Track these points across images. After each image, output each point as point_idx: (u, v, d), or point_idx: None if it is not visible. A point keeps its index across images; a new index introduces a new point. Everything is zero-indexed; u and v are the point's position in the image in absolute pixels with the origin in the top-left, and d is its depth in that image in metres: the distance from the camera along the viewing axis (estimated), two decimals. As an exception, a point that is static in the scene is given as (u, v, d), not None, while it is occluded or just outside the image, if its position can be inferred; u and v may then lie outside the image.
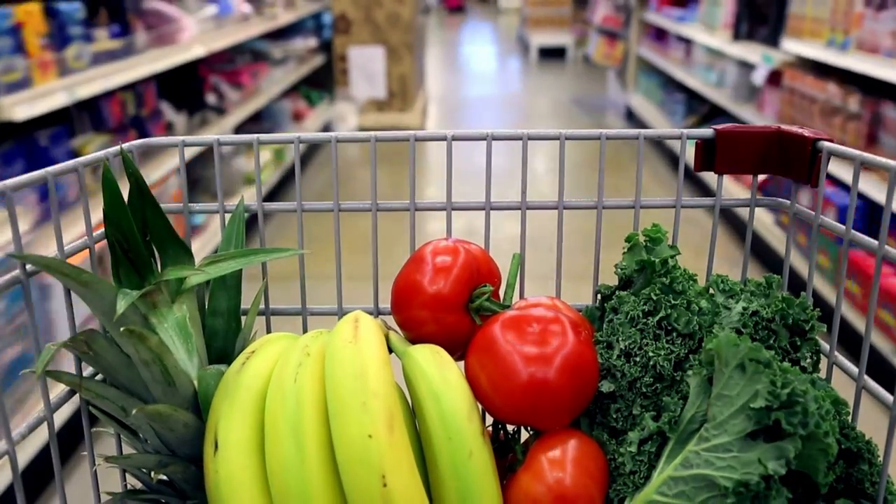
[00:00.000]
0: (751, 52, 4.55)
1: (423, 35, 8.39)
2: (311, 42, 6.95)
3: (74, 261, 0.63)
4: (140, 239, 0.67)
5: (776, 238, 3.83)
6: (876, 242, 0.66)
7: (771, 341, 0.70)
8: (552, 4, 12.62)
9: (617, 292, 0.73)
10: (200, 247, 3.64)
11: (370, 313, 0.76)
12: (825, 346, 0.73)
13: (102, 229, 0.68)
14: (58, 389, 0.69)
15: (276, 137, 0.79)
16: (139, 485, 0.70)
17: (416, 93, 7.50)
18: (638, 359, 0.67)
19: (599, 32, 8.65)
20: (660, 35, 7.16)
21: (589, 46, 9.00)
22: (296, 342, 0.68)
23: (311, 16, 7.18)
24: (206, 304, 0.74)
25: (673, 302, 0.68)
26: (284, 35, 6.57)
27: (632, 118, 7.63)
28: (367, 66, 7.07)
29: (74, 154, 2.83)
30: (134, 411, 0.61)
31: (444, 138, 0.79)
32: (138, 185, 0.68)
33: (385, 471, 0.58)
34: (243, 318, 0.74)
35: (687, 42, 6.19)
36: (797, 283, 2.88)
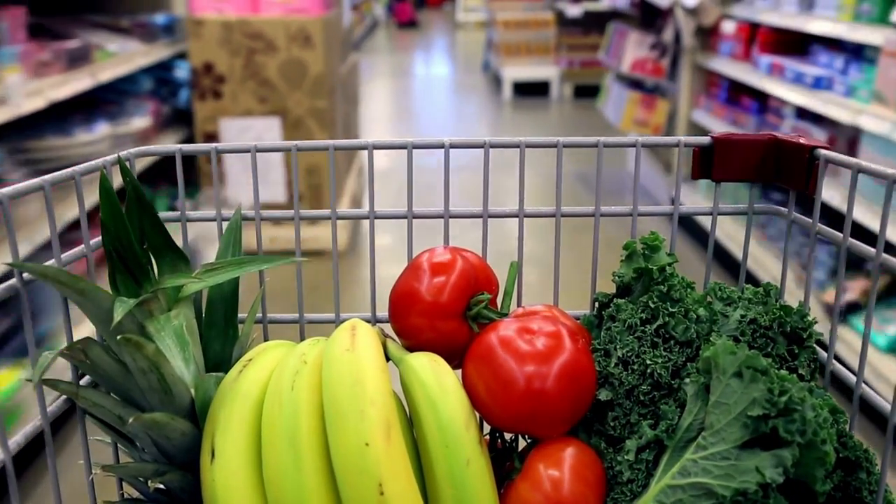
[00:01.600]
0: None
1: (352, 91, 5.18)
2: (146, 118, 3.61)
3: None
4: (137, 247, 0.67)
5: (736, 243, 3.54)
6: (873, 250, 0.66)
7: (769, 349, 0.70)
8: (531, 27, 8.95)
9: (615, 300, 0.73)
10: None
11: (367, 321, 0.76)
12: (823, 354, 0.73)
13: (99, 238, 0.68)
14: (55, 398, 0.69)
15: (278, 145, 0.79)
16: (136, 493, 0.70)
17: (342, 184, 4.53)
18: (636, 367, 0.67)
19: (625, 83, 5.23)
20: (735, 93, 4.17)
21: (606, 103, 5.50)
22: (293, 350, 0.67)
23: (153, 67, 3.95)
24: (204, 312, 0.73)
25: (671, 310, 0.68)
26: (99, 104, 3.52)
27: (692, 231, 4.14)
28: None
29: None
30: (131, 420, 0.61)
31: (441, 146, 0.79)
32: (136, 193, 0.68)
33: (382, 479, 0.58)
34: (240, 327, 0.74)
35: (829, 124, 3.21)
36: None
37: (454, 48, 14.54)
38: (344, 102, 4.60)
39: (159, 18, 4.10)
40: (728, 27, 4.23)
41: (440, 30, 17.35)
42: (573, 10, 8.60)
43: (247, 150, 0.79)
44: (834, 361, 0.73)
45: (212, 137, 4.03)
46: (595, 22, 8.41)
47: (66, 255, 0.68)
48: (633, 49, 4.99)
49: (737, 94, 4.18)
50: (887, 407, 0.66)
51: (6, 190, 0.62)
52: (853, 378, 0.70)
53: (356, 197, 4.24)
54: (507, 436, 0.72)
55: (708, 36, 4.46)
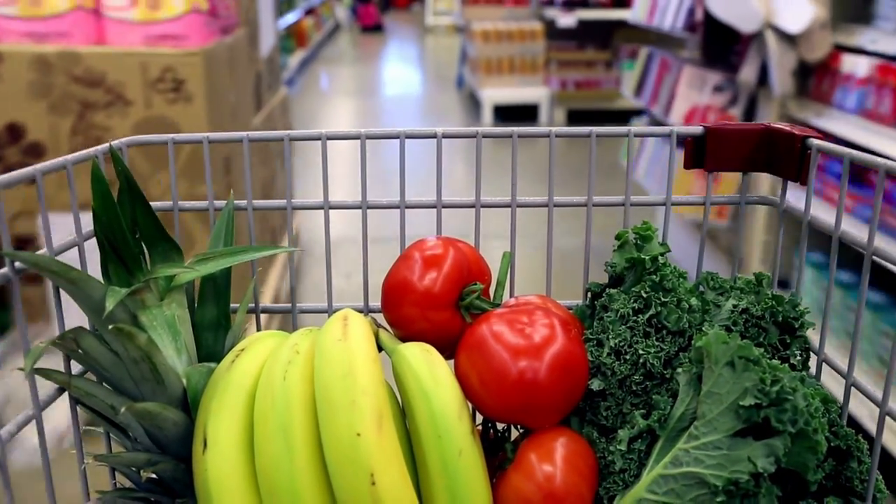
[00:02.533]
0: None
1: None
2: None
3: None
4: (129, 236, 0.67)
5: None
6: (865, 239, 0.67)
7: (761, 338, 0.70)
8: (515, 39, 7.29)
9: (607, 290, 0.73)
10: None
11: (360, 311, 0.76)
12: (815, 343, 0.73)
13: (91, 227, 0.68)
14: (46, 387, 0.69)
15: (266, 135, 0.79)
16: (129, 483, 0.70)
17: (264, 278, 3.00)
18: (628, 356, 0.67)
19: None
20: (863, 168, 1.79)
21: (636, 161, 3.94)
22: (285, 340, 0.67)
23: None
24: (196, 301, 0.73)
25: (663, 299, 0.68)
26: None
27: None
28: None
29: None
30: (122, 409, 0.61)
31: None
32: (128, 182, 0.68)
33: (374, 469, 0.58)
34: (233, 316, 0.74)
35: None
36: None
37: (424, 57, 12.52)
38: (260, 168, 2.99)
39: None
40: (854, 65, 2.53)
41: (408, 34, 15.25)
42: (565, 20, 6.91)
43: (239, 140, 0.78)
44: (826, 351, 0.73)
45: (25, 242, 2.31)
46: (592, 33, 7.28)
47: (58, 244, 0.68)
48: (687, 91, 3.37)
49: (865, 170, 2.40)
50: (878, 396, 0.66)
51: None
52: (844, 367, 0.70)
53: (279, 294, 3.07)
54: (500, 426, 0.72)
55: (814, 77, 2.77)
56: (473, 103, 7.97)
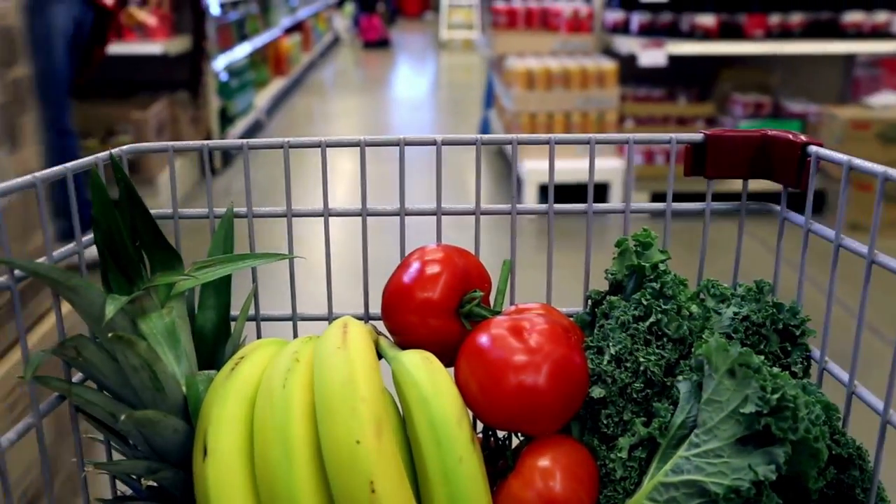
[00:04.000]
0: None
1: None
2: None
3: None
4: (129, 244, 0.67)
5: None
6: (865, 248, 0.66)
7: (762, 346, 0.70)
8: (574, 84, 4.51)
9: (608, 297, 0.73)
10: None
11: (360, 319, 0.76)
12: (816, 351, 0.73)
13: (91, 235, 0.68)
14: (47, 395, 0.68)
15: (267, 142, 0.79)
16: (129, 491, 0.70)
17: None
18: (629, 364, 0.67)
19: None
20: None
21: None
22: (285, 348, 0.67)
23: None
24: (196, 309, 0.73)
25: (664, 307, 0.68)
26: None
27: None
28: None
29: None
30: (123, 417, 0.60)
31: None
32: (127, 189, 0.68)
33: (373, 477, 0.58)
34: (233, 324, 0.74)
35: None
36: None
37: (438, 84, 9.50)
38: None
39: None
40: None
41: (419, 51, 12.20)
42: (651, 56, 4.16)
43: (239, 148, 0.78)
44: (827, 359, 0.73)
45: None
46: (687, 74, 4.82)
47: (58, 253, 0.68)
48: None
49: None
50: (880, 405, 0.66)
51: None
52: (846, 375, 0.70)
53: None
54: (500, 433, 0.72)
55: None
56: (507, 169, 5.30)
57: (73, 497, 1.16)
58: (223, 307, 0.74)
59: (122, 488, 0.71)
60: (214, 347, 0.73)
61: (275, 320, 0.83)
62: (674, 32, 4.32)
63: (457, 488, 0.62)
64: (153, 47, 4.39)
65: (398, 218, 0.80)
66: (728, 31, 4.24)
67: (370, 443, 0.58)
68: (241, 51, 6.08)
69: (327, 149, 0.78)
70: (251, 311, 0.80)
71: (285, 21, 8.49)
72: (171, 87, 4.79)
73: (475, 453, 0.64)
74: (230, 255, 0.72)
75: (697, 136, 0.78)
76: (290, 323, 0.83)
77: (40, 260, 0.66)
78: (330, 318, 0.81)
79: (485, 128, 5.81)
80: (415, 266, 0.71)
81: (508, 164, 5.20)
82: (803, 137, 0.75)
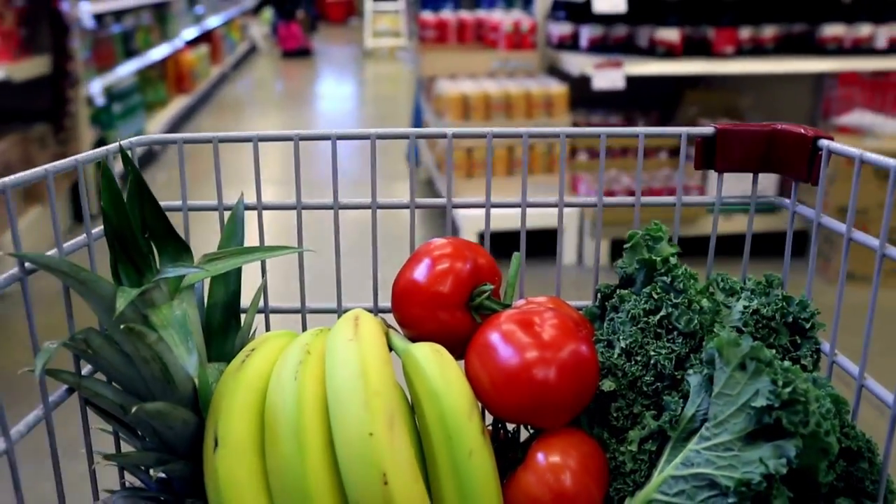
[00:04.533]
0: None
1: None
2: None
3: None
4: (139, 236, 0.67)
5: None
6: (877, 242, 0.66)
7: (771, 340, 0.70)
8: (517, 113, 3.73)
9: (618, 291, 0.73)
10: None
11: (370, 311, 0.76)
12: (826, 344, 0.73)
13: (101, 227, 0.68)
14: (55, 388, 0.69)
15: (276, 134, 0.79)
16: (138, 482, 0.70)
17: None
18: (639, 358, 0.67)
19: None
20: None
21: None
22: (296, 340, 0.67)
23: None
24: (206, 301, 0.73)
25: (674, 301, 0.68)
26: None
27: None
28: None
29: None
30: (133, 409, 0.60)
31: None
32: (137, 182, 0.68)
33: (386, 469, 0.58)
34: (243, 316, 0.74)
35: None
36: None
37: (363, 99, 8.61)
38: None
39: None
40: None
41: (342, 61, 11.16)
42: (607, 78, 3.43)
43: (249, 140, 0.78)
44: (837, 352, 0.73)
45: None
46: (645, 97, 4.14)
47: (67, 245, 0.68)
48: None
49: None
50: (889, 397, 0.66)
51: (8, 179, 0.62)
52: (855, 368, 0.70)
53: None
54: (510, 426, 0.72)
55: None
56: (439, 215, 3.83)
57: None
58: (233, 299, 0.74)
59: (131, 479, 0.71)
60: (224, 339, 0.73)
61: (284, 312, 0.83)
62: (630, 49, 3.75)
63: (467, 481, 0.62)
64: None
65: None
66: (694, 48, 3.60)
67: (383, 435, 0.58)
68: (127, 69, 5.14)
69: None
70: (260, 304, 0.80)
71: (189, 31, 7.58)
72: (23, 120, 3.81)
73: (486, 446, 0.64)
74: (240, 248, 0.72)
75: (708, 130, 0.78)
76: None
77: (50, 252, 0.66)
78: (339, 310, 0.81)
79: (415, 157, 4.62)
80: (425, 259, 0.71)
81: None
82: (814, 131, 0.74)
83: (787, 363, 0.60)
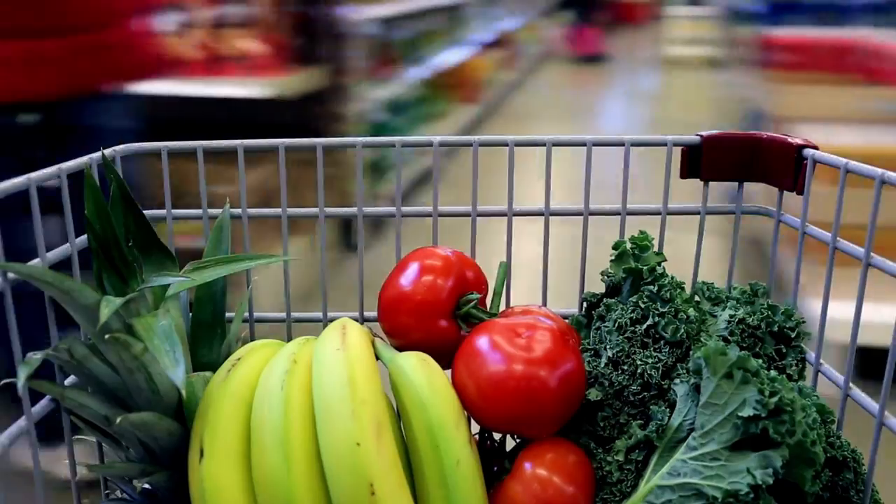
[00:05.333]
0: None
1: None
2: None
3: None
4: (123, 245, 0.66)
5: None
6: (862, 250, 0.67)
7: (757, 349, 0.70)
8: None
9: (604, 300, 0.73)
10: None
11: (355, 320, 0.76)
12: (811, 353, 0.73)
13: (84, 236, 0.67)
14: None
15: (261, 144, 0.79)
16: (121, 494, 0.69)
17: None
18: (626, 367, 0.67)
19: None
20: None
21: None
22: (282, 349, 0.67)
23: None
24: (191, 310, 0.73)
25: (661, 310, 0.68)
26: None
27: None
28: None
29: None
30: (118, 420, 0.60)
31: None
32: (121, 190, 0.68)
33: (373, 479, 0.58)
34: (228, 325, 0.74)
35: None
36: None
37: (661, 121, 6.85)
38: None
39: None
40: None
41: (639, 70, 9.77)
42: None
43: (233, 150, 0.78)
44: (822, 361, 0.73)
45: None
46: None
47: (51, 254, 0.68)
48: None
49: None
50: (875, 406, 0.66)
51: None
52: (841, 378, 0.70)
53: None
54: (497, 435, 0.72)
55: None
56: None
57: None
58: (218, 308, 0.73)
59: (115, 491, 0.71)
60: (210, 349, 0.72)
61: (269, 321, 0.82)
62: None
63: (454, 491, 0.62)
64: (256, 88, 2.94)
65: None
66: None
67: (370, 445, 0.58)
68: (408, 79, 4.40)
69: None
70: (246, 313, 0.79)
71: (480, 35, 6.64)
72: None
73: (473, 455, 0.63)
74: (225, 257, 0.71)
75: (694, 139, 0.78)
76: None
77: (33, 262, 0.65)
78: (324, 319, 0.81)
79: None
80: (411, 268, 0.71)
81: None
82: (800, 140, 0.75)
83: (773, 373, 0.60)
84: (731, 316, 0.71)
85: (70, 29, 1.63)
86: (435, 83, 5.22)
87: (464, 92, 6.04)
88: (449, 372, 0.68)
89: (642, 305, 0.69)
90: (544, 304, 0.78)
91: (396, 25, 4.34)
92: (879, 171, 0.65)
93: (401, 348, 0.70)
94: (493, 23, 7.26)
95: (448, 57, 5.46)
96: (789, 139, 0.75)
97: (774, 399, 0.58)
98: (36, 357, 0.59)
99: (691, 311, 0.69)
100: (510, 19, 8.19)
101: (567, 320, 0.75)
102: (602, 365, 0.68)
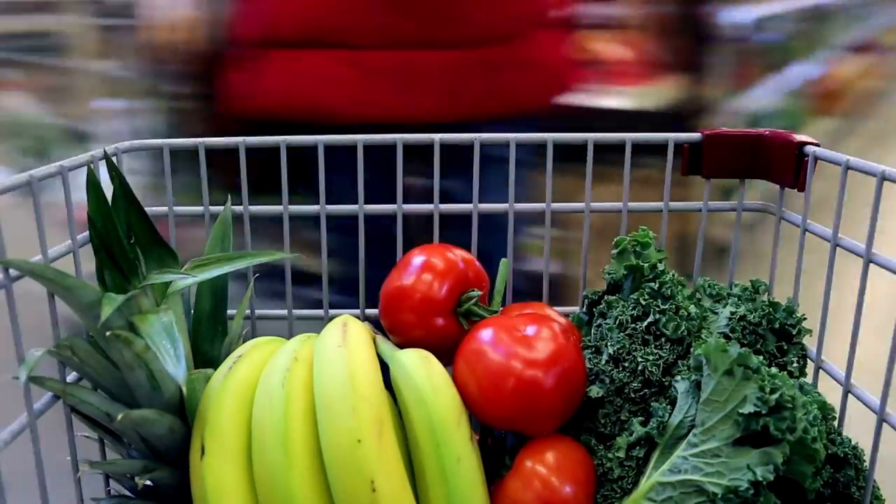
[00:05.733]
0: None
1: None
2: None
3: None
4: (125, 242, 0.66)
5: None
6: (863, 247, 0.67)
7: (758, 346, 0.70)
8: None
9: (605, 297, 0.73)
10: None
11: (357, 317, 0.76)
12: (812, 349, 0.73)
13: (87, 233, 0.67)
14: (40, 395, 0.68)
15: (262, 141, 0.79)
16: (123, 490, 0.69)
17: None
18: (626, 364, 0.67)
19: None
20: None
21: None
22: (283, 346, 0.67)
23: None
24: (193, 307, 0.73)
25: (662, 307, 0.68)
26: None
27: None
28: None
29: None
30: (119, 416, 0.60)
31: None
32: (123, 187, 0.68)
33: (374, 476, 0.58)
34: (230, 322, 0.74)
35: None
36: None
37: None
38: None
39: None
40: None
41: None
42: None
43: (235, 147, 0.78)
44: (823, 358, 0.73)
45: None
46: None
47: (52, 251, 0.68)
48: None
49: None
50: (876, 402, 0.66)
51: None
52: (842, 374, 0.70)
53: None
54: (498, 432, 0.72)
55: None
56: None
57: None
58: (219, 305, 0.73)
59: (117, 487, 0.71)
60: (211, 345, 0.72)
61: (271, 318, 0.83)
62: None
63: (455, 488, 0.62)
64: (617, 98, 2.48)
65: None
66: None
67: (371, 442, 0.58)
68: (769, 88, 3.68)
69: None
70: (247, 310, 0.80)
71: (849, 37, 5.44)
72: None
73: (474, 453, 0.64)
74: (227, 254, 0.71)
75: (695, 136, 0.78)
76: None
77: (35, 259, 0.65)
78: (326, 316, 0.81)
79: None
80: (413, 265, 0.71)
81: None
82: (801, 137, 0.75)
83: (774, 370, 0.60)
84: (732, 313, 0.71)
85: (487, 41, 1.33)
86: (803, 93, 4.38)
87: (823, 104, 4.91)
88: (450, 369, 0.68)
89: (643, 302, 0.69)
90: (545, 300, 0.78)
91: (766, 28, 3.62)
92: (880, 167, 0.65)
93: (402, 345, 0.70)
94: (859, 23, 5.83)
95: (815, 64, 4.55)
96: (791, 136, 0.75)
97: (775, 396, 0.58)
98: (37, 353, 0.59)
99: (692, 308, 0.69)
100: (879, 20, 6.32)
101: (568, 317, 0.76)
102: (603, 362, 0.68)
